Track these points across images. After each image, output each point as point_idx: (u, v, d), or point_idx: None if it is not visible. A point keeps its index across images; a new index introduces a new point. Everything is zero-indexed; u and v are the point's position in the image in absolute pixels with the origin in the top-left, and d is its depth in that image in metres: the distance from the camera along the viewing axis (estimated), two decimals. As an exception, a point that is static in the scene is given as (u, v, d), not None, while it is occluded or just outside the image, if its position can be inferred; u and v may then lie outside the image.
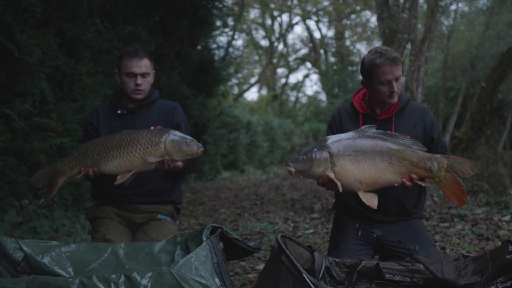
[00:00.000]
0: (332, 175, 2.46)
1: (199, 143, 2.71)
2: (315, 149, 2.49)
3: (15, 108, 5.18)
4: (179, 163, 2.80)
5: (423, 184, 2.55)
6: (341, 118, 2.92)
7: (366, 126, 2.59)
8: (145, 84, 3.02)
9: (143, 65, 3.00)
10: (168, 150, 2.64)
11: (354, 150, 2.49)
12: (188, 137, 2.70)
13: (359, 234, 2.81)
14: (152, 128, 2.88)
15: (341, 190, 2.47)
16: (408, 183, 2.51)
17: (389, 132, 2.58)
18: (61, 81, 6.10)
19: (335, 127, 2.92)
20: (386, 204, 2.74)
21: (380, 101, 2.78)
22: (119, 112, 3.05)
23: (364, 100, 2.89)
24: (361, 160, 2.47)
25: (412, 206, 2.83)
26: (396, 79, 2.69)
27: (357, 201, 2.70)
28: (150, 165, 2.67)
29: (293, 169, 2.46)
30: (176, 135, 2.69)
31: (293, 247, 2.44)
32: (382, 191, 2.58)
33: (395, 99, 2.74)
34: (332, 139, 2.54)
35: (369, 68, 2.70)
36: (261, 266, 3.71)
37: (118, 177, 2.68)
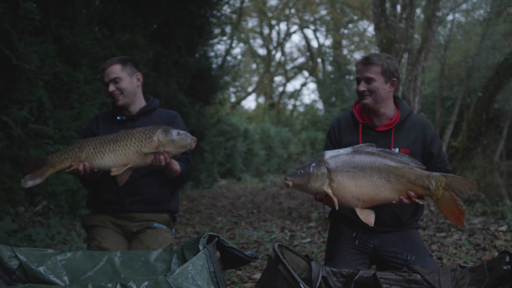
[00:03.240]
0: (329, 191, 2.45)
1: (193, 136, 2.73)
2: (313, 164, 2.48)
3: (12, 115, 5.17)
4: (177, 167, 2.82)
5: (420, 202, 2.53)
6: (340, 128, 2.90)
7: (365, 144, 2.58)
8: (118, 89, 3.00)
9: (111, 71, 3.00)
10: (161, 141, 2.66)
11: (353, 166, 2.47)
12: (182, 130, 2.74)
13: (356, 243, 2.81)
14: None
15: (337, 207, 2.45)
16: (405, 200, 2.50)
17: (387, 149, 2.57)
18: (59, 88, 6.11)
19: (334, 137, 2.91)
20: (382, 217, 2.73)
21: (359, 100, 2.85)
22: (118, 118, 3.06)
23: (364, 109, 2.88)
24: (359, 177, 2.46)
25: (407, 219, 2.83)
26: (366, 80, 2.73)
27: (352, 212, 2.68)
28: (145, 159, 2.68)
29: (290, 183, 2.45)
30: (169, 128, 2.73)
31: (290, 256, 2.43)
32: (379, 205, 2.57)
33: (366, 100, 2.76)
34: (330, 154, 2.53)
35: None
36: (257, 275, 3.69)
37: (114, 169, 2.67)
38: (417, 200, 2.51)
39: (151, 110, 3.11)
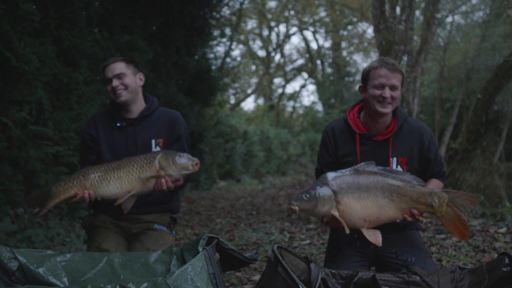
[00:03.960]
0: (336, 214, 2.42)
1: (194, 157, 2.71)
2: (318, 187, 2.43)
3: (11, 116, 5.17)
4: (180, 182, 2.80)
5: (424, 220, 2.53)
6: (336, 138, 2.84)
7: (364, 163, 2.56)
8: (122, 84, 2.98)
9: (115, 67, 2.99)
10: (162, 164, 2.66)
11: (357, 187, 2.45)
12: (183, 152, 2.74)
13: (358, 244, 2.80)
14: (153, 141, 2.95)
15: (348, 231, 2.42)
16: (409, 218, 2.49)
17: (388, 168, 2.57)
18: (58, 89, 6.11)
19: (331, 147, 2.85)
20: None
21: (372, 111, 2.70)
22: (118, 125, 3.03)
23: (359, 117, 2.81)
24: (364, 197, 2.44)
25: (407, 223, 2.78)
26: (391, 88, 2.63)
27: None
28: (147, 183, 2.69)
29: (296, 208, 2.39)
30: (170, 151, 2.74)
31: (289, 258, 2.43)
32: None
33: (386, 109, 2.66)
34: (332, 175, 2.50)
35: (367, 70, 2.71)
36: (257, 277, 3.69)
37: (118, 200, 2.69)
38: (421, 218, 2.51)
39: (152, 112, 3.09)
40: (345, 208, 2.43)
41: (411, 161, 2.75)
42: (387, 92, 2.63)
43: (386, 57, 2.74)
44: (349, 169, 2.53)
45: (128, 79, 3.00)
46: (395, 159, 2.74)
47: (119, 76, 2.98)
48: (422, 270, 2.47)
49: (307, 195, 2.41)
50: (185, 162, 2.69)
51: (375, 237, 2.47)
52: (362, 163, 2.55)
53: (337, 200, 2.42)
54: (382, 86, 2.63)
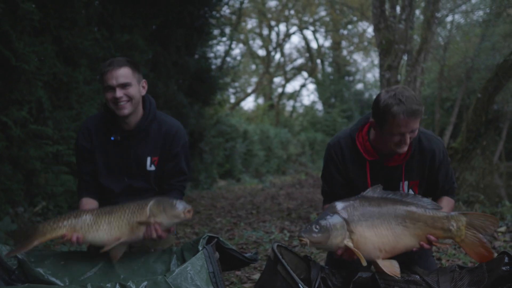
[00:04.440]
0: (350, 245, 2.24)
1: (188, 205, 2.54)
2: (329, 217, 2.26)
3: (11, 116, 5.17)
4: (171, 229, 2.64)
5: (443, 246, 2.37)
6: (345, 161, 2.62)
7: (372, 187, 2.40)
8: (127, 95, 2.68)
9: (120, 74, 2.67)
10: (153, 211, 2.50)
11: (370, 214, 2.29)
12: (176, 200, 2.56)
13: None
14: (148, 158, 2.80)
15: (365, 263, 2.23)
16: (426, 246, 2.31)
17: (398, 191, 2.42)
18: (58, 88, 6.11)
19: (342, 167, 2.63)
20: None
21: (386, 146, 2.48)
22: (112, 138, 2.79)
23: (369, 139, 2.57)
24: (378, 225, 2.28)
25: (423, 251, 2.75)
26: (412, 131, 2.39)
27: None
28: (137, 231, 2.51)
29: (307, 241, 2.20)
30: (164, 198, 2.58)
31: (289, 257, 2.43)
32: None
33: (405, 149, 2.44)
34: (342, 204, 2.33)
35: (383, 114, 2.36)
36: (256, 276, 3.70)
37: (106, 246, 2.49)
38: (439, 244, 2.34)
39: (149, 123, 2.82)
40: (360, 237, 2.25)
41: (423, 183, 2.63)
42: (408, 139, 2.40)
43: (404, 91, 2.37)
44: (357, 196, 2.38)
45: (133, 90, 2.71)
46: (406, 182, 2.61)
47: (124, 86, 2.68)
48: (422, 269, 2.47)
49: (317, 226, 2.24)
50: (177, 211, 2.51)
51: (393, 268, 2.27)
52: (369, 189, 2.40)
53: (350, 230, 2.25)
54: (402, 134, 2.38)
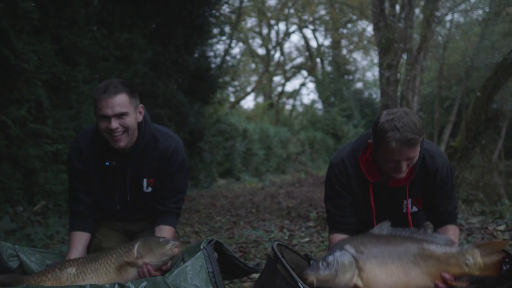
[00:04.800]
0: (360, 283, 2.10)
1: (175, 241, 2.42)
2: (337, 253, 2.14)
3: (10, 115, 5.17)
4: (167, 266, 2.49)
5: (462, 286, 2.21)
6: (350, 178, 2.52)
7: (379, 224, 2.31)
8: (123, 126, 2.48)
9: (117, 103, 2.43)
10: (140, 252, 2.39)
11: (379, 251, 2.16)
12: (162, 238, 2.46)
13: None
14: (144, 180, 2.71)
15: None
16: (442, 285, 2.15)
17: (408, 228, 2.30)
18: (57, 88, 6.10)
19: (348, 185, 2.53)
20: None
21: (384, 170, 2.41)
22: (107, 164, 2.65)
23: (373, 160, 2.47)
24: (389, 263, 2.14)
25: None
26: (408, 159, 2.28)
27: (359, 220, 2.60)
28: (126, 274, 2.40)
29: (313, 279, 2.05)
30: (150, 238, 2.47)
31: (289, 255, 2.43)
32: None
33: (401, 176, 2.36)
34: (350, 240, 2.24)
35: (378, 138, 2.28)
36: (256, 275, 3.70)
37: None
38: (457, 283, 2.18)
39: (146, 143, 2.66)
40: (369, 275, 2.11)
41: (426, 200, 2.57)
42: (403, 166, 2.30)
43: (405, 116, 2.25)
44: (365, 233, 2.29)
45: (130, 120, 2.49)
46: (410, 200, 2.54)
47: (121, 116, 2.46)
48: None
49: (324, 263, 2.10)
50: (164, 249, 2.39)
51: None
52: (377, 226, 2.30)
53: (359, 267, 2.11)
54: (396, 161, 2.29)
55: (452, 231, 2.53)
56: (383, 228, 2.28)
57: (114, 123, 2.44)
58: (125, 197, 2.77)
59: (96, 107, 2.48)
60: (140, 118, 2.61)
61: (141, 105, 2.62)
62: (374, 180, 2.46)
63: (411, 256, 2.17)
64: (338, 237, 2.51)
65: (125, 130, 2.49)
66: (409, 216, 2.54)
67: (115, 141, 2.49)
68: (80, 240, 2.67)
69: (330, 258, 2.11)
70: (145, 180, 2.73)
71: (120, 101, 2.44)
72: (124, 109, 2.45)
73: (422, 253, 2.18)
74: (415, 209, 2.56)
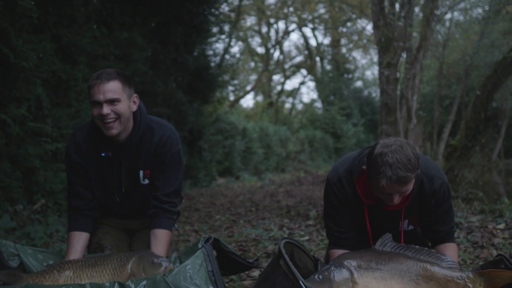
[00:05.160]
0: None
1: (169, 264, 2.37)
2: (332, 267, 2.15)
3: (10, 113, 5.16)
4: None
5: None
6: (347, 196, 2.48)
7: (381, 240, 2.28)
8: (115, 112, 2.47)
9: (109, 89, 2.44)
10: (134, 271, 2.36)
11: (379, 266, 2.15)
12: (158, 257, 2.41)
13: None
14: (141, 172, 2.69)
15: None
16: None
17: (411, 245, 2.28)
18: (57, 86, 6.10)
19: (346, 203, 2.49)
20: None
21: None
22: (103, 155, 2.64)
23: (370, 184, 2.39)
24: (388, 278, 2.13)
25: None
26: (400, 192, 2.23)
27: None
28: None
29: None
30: (145, 255, 2.41)
31: (299, 255, 2.43)
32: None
33: (396, 203, 2.29)
34: (349, 254, 2.24)
35: (370, 171, 2.24)
36: (256, 273, 3.70)
37: None
38: None
39: (141, 135, 2.65)
40: None
41: (422, 219, 2.54)
42: (395, 198, 2.25)
43: (401, 151, 2.17)
44: (368, 248, 2.29)
45: (122, 107, 2.48)
46: (406, 221, 2.52)
47: (113, 102, 2.46)
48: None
49: (320, 276, 2.12)
50: (156, 271, 2.35)
51: None
52: (378, 241, 2.27)
53: (353, 281, 2.12)
54: (388, 195, 2.25)
55: (449, 250, 2.49)
56: (386, 243, 2.26)
57: (106, 109, 2.44)
58: (122, 190, 2.75)
59: (89, 94, 2.49)
60: (135, 107, 2.59)
61: (135, 94, 2.61)
62: (369, 203, 2.43)
63: (413, 275, 2.14)
64: (338, 252, 2.48)
65: (118, 117, 2.48)
66: (402, 234, 2.50)
67: (107, 128, 2.48)
68: (79, 240, 2.66)
69: (326, 272, 2.13)
70: (141, 172, 2.71)
71: (112, 87, 2.45)
72: (116, 95, 2.45)
73: (424, 274, 2.15)
74: (411, 227, 2.54)
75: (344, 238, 2.53)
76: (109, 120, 2.47)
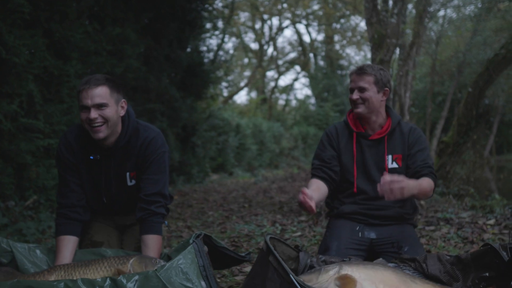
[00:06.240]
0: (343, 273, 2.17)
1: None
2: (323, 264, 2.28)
3: (1, 109, 5.14)
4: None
5: None
6: (338, 135, 3.00)
7: (376, 262, 2.38)
8: (102, 117, 2.54)
9: (96, 94, 2.51)
10: (134, 267, 2.38)
11: (367, 266, 2.24)
12: (160, 260, 2.44)
13: (359, 236, 2.88)
14: (127, 174, 2.74)
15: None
16: None
17: (406, 269, 2.37)
18: (49, 82, 6.07)
19: (335, 141, 2.99)
20: (387, 214, 2.89)
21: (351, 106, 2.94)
22: (92, 158, 2.71)
23: (358, 118, 2.97)
24: (376, 267, 2.22)
25: (409, 215, 2.95)
26: (360, 89, 2.84)
27: (360, 207, 2.86)
28: None
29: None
30: (145, 257, 2.45)
31: (281, 248, 2.46)
32: (385, 203, 2.78)
33: (358, 109, 2.86)
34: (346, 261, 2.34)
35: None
36: (248, 269, 3.71)
37: None
38: None
39: (129, 138, 2.71)
40: (352, 273, 2.16)
41: (405, 157, 2.89)
42: (354, 95, 2.85)
43: (370, 64, 2.91)
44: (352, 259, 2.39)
45: (109, 111, 2.55)
46: (390, 156, 2.90)
47: (100, 107, 2.53)
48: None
49: (311, 270, 2.25)
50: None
51: None
52: (376, 261, 2.37)
53: (341, 268, 2.19)
54: (352, 90, 2.88)
55: (424, 181, 2.72)
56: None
57: (93, 113, 2.51)
58: (110, 191, 2.78)
59: (78, 98, 2.57)
60: (123, 112, 2.66)
61: (123, 100, 2.67)
62: (357, 130, 2.93)
63: (402, 276, 2.21)
64: (317, 182, 2.86)
65: (105, 121, 2.55)
66: (386, 169, 2.86)
67: (95, 131, 2.55)
68: (67, 245, 2.63)
69: (317, 267, 2.29)
70: (127, 174, 2.75)
71: (100, 93, 2.53)
72: (103, 100, 2.53)
73: (409, 279, 2.20)
74: (395, 165, 2.88)
75: (325, 172, 2.91)
76: (96, 124, 2.54)
